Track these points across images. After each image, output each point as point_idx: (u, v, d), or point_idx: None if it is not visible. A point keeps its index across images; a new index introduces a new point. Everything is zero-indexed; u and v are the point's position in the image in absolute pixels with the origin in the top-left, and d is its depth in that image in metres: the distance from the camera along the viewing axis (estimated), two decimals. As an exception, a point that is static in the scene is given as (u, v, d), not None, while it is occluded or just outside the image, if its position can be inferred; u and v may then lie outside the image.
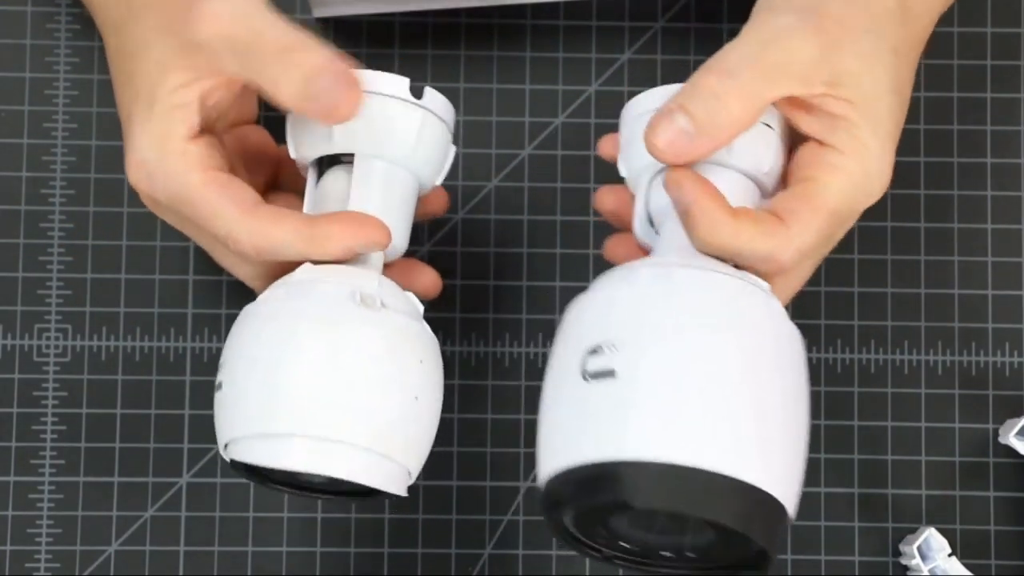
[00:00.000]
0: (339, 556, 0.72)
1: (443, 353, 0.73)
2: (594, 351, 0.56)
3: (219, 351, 0.73)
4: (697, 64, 0.75)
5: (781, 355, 0.57)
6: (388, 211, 0.62)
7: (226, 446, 0.60)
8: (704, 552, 0.58)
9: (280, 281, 0.61)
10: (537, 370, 0.73)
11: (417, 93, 0.62)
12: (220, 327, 0.73)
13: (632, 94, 0.74)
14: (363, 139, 0.62)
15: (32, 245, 0.73)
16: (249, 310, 0.61)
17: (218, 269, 0.68)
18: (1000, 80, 0.75)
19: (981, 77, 0.75)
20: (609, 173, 0.74)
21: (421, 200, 0.65)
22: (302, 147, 0.63)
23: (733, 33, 0.75)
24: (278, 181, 0.68)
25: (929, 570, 0.70)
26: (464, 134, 0.74)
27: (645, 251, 0.64)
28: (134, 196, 0.73)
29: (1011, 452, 0.73)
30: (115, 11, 0.63)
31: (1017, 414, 0.73)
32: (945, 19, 0.65)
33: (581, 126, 0.74)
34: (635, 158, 0.63)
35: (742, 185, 0.61)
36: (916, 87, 0.75)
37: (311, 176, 0.64)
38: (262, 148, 0.67)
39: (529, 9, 0.75)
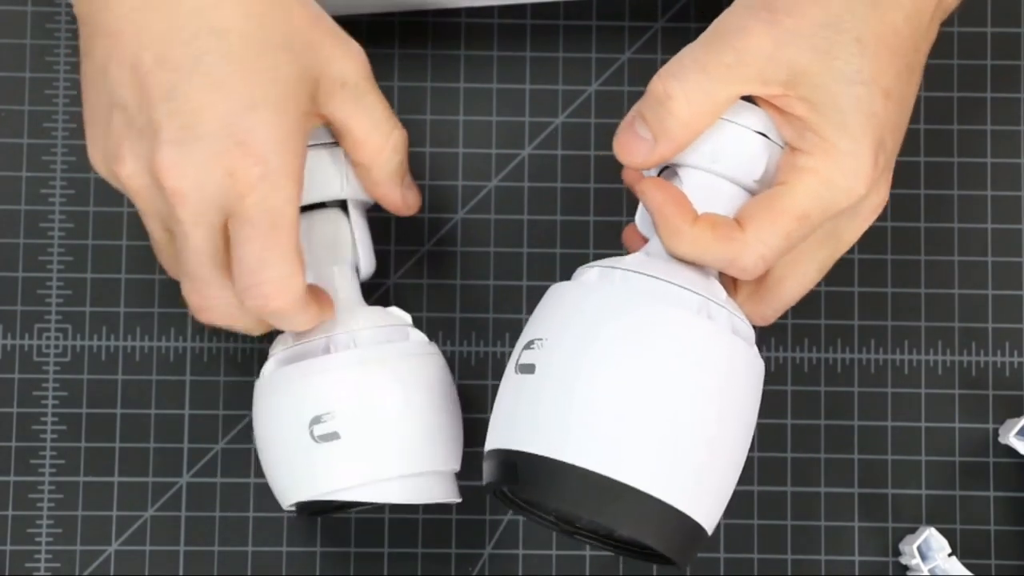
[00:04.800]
0: (339, 556, 0.72)
1: (443, 353, 0.73)
2: (528, 345, 0.59)
3: (219, 351, 0.73)
4: (697, 64, 0.75)
5: (695, 366, 0.58)
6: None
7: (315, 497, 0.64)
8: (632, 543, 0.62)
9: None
10: (537, 370, 0.73)
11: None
12: (220, 327, 0.73)
13: (632, 94, 0.75)
14: (358, 187, 0.66)
15: (32, 245, 0.73)
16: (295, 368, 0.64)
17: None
18: (1000, 80, 0.75)
19: (981, 77, 0.75)
20: (609, 174, 0.74)
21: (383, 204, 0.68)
22: (307, 195, 0.65)
23: (733, 33, 0.75)
24: None
25: (929, 570, 0.70)
26: (464, 134, 0.74)
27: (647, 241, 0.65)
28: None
29: (1011, 452, 0.73)
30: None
31: (1017, 414, 0.73)
32: (945, 19, 0.65)
33: (581, 126, 0.74)
34: None
35: (728, 192, 0.61)
36: (916, 87, 0.75)
37: (301, 223, 0.65)
38: None
39: (529, 9, 0.75)
